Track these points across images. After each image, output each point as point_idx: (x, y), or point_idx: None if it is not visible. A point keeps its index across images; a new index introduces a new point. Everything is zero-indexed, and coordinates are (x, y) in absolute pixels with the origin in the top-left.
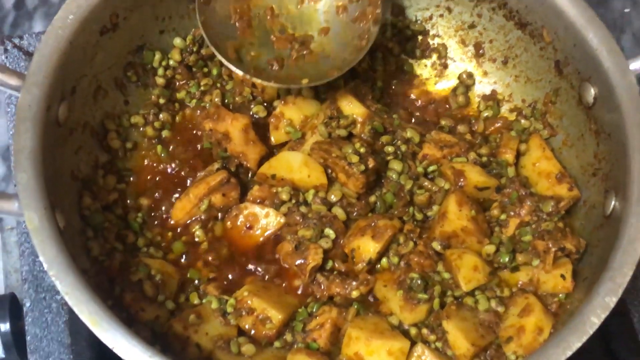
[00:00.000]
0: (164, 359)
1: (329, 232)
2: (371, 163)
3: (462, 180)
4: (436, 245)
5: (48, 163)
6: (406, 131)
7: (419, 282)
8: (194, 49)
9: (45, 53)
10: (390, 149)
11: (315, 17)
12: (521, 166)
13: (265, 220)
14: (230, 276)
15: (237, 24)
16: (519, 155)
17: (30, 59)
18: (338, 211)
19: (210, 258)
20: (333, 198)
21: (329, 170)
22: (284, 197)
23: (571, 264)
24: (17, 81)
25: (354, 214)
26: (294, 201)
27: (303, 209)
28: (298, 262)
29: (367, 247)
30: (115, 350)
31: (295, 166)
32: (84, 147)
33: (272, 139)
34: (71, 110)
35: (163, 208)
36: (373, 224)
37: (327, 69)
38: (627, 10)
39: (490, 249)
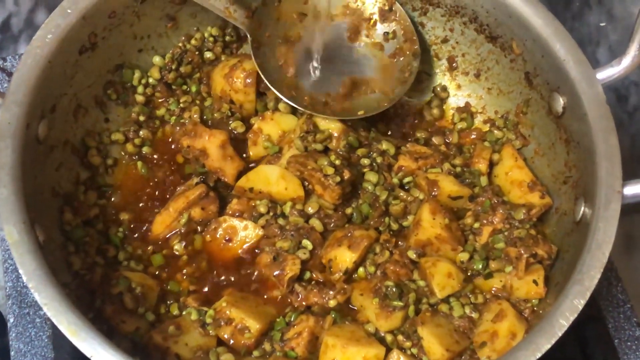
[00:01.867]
0: None
1: (307, 243)
2: (346, 175)
3: (435, 189)
4: (411, 254)
5: (28, 179)
6: (382, 143)
7: (394, 289)
8: (173, 67)
9: (24, 72)
10: (366, 161)
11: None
12: (494, 175)
13: (244, 232)
14: (209, 288)
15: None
16: (492, 164)
17: (8, 87)
18: (315, 223)
19: (189, 270)
20: (310, 210)
21: (306, 183)
22: (262, 209)
23: (543, 270)
24: None
25: (331, 225)
26: (271, 214)
27: (281, 221)
28: (276, 272)
29: (343, 257)
30: (94, 359)
31: (272, 179)
32: (64, 163)
33: (251, 154)
34: (51, 127)
35: (143, 223)
36: (349, 235)
37: (377, 100)
38: (602, 24)
39: (464, 256)
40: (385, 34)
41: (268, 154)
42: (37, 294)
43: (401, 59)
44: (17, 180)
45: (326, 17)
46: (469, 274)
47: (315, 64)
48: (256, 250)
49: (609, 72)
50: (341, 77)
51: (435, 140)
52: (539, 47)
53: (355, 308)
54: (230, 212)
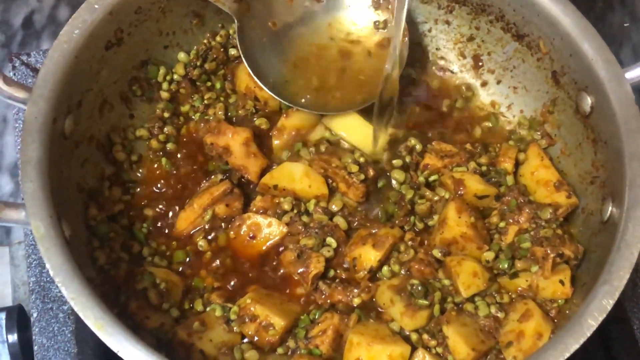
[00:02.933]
0: None
1: (331, 241)
2: (371, 172)
3: (462, 189)
4: (436, 253)
5: (54, 175)
6: (410, 140)
7: (420, 288)
8: (198, 64)
9: (51, 67)
10: (396, 162)
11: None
12: (520, 175)
13: (268, 229)
14: (233, 284)
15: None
16: (517, 164)
17: (37, 76)
18: (339, 220)
19: (214, 267)
20: (334, 208)
21: (330, 181)
22: (286, 207)
23: (570, 270)
24: (24, 94)
25: (355, 224)
26: (295, 211)
27: (305, 218)
28: (300, 270)
29: (368, 255)
30: (120, 354)
31: (296, 177)
32: (90, 159)
33: (274, 151)
34: (77, 123)
35: (168, 218)
36: (374, 233)
37: (369, 91)
38: (626, 24)
39: (489, 255)
40: (376, 22)
41: (292, 151)
42: (64, 289)
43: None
44: (44, 175)
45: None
46: (494, 273)
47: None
48: (280, 248)
49: (638, 72)
50: (331, 68)
51: (460, 138)
52: (567, 45)
53: (379, 306)
54: (254, 209)
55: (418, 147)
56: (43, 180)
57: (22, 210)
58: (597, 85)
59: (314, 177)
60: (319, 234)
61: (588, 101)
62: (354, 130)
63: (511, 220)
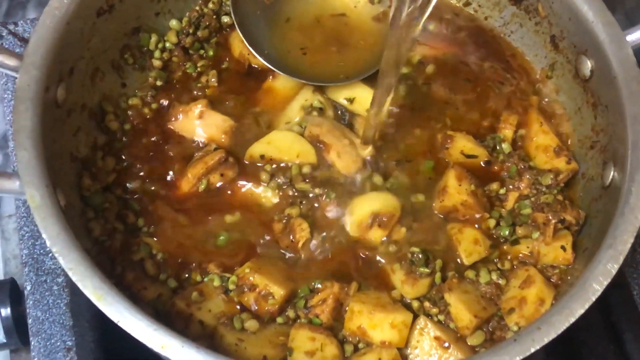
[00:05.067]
0: (168, 332)
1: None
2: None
3: (449, 142)
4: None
5: (47, 144)
6: None
7: (420, 256)
8: (190, 31)
9: (42, 34)
10: None
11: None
12: (519, 141)
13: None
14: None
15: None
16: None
17: (25, 45)
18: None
19: None
20: (322, 176)
21: (321, 147)
22: (264, 177)
23: (571, 236)
24: (15, 62)
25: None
26: (279, 180)
27: (292, 187)
28: (292, 239)
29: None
30: (120, 324)
31: (284, 146)
32: (82, 128)
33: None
34: (69, 91)
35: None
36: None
37: (368, 62)
38: None
39: (490, 222)
40: None
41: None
42: (61, 259)
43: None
44: (37, 143)
45: None
46: (495, 240)
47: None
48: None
49: (639, 34)
50: (326, 39)
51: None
52: (566, 8)
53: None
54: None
55: None
56: (37, 149)
57: (16, 180)
58: (597, 48)
59: (303, 145)
60: (305, 204)
61: (588, 65)
62: (359, 100)
63: (511, 187)
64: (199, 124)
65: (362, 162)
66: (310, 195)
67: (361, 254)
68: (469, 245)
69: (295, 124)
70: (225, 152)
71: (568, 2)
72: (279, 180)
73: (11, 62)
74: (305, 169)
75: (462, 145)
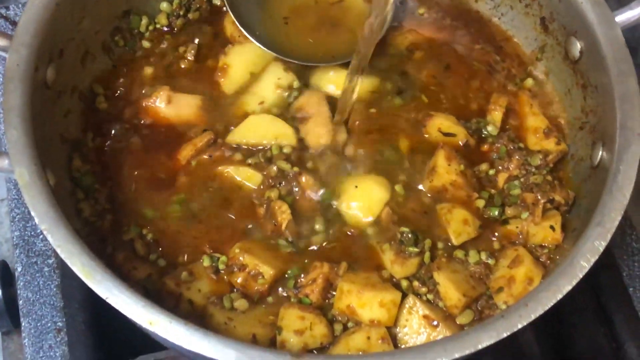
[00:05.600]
0: (156, 308)
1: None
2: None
3: (427, 119)
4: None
5: (37, 124)
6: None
7: (410, 236)
8: (181, 13)
9: (32, 14)
10: None
11: None
12: (509, 122)
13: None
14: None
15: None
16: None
17: (16, 29)
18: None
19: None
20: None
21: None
22: (237, 157)
23: (560, 216)
24: (4, 42)
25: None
26: (258, 160)
27: (272, 169)
28: (274, 223)
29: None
30: (109, 301)
31: (262, 130)
32: (73, 110)
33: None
34: (59, 73)
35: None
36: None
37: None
38: None
39: (479, 202)
40: None
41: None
42: (50, 236)
43: None
44: (27, 123)
45: None
46: (485, 218)
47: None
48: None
49: (628, 15)
50: (318, 20)
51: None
52: None
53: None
54: None
55: None
56: (26, 128)
57: (5, 158)
58: (587, 29)
59: (280, 129)
60: (285, 185)
61: (577, 46)
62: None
63: (501, 168)
64: (170, 107)
65: (338, 139)
66: (290, 175)
67: (349, 233)
68: (458, 225)
69: (272, 104)
70: (214, 134)
71: None
72: (259, 161)
73: (1, 42)
74: (286, 150)
75: (440, 123)
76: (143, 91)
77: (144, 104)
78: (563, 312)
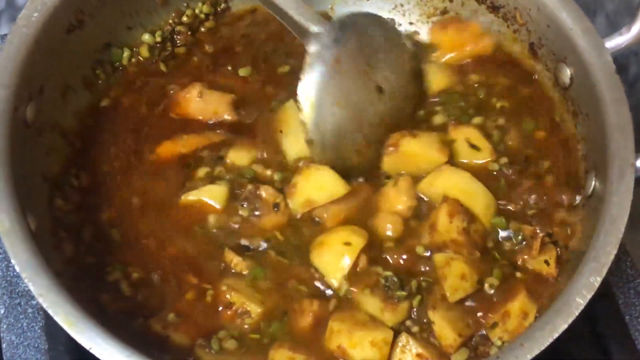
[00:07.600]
0: (142, 358)
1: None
2: None
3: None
4: (420, 251)
5: (17, 166)
6: None
7: (395, 279)
8: (167, 46)
9: (10, 53)
10: None
11: None
12: None
13: None
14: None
15: None
16: None
17: None
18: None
19: None
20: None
21: None
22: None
23: (555, 250)
24: None
25: None
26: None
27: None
28: None
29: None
30: (92, 351)
31: None
32: (54, 147)
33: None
34: (40, 110)
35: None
36: None
37: None
38: None
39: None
40: None
41: None
42: (31, 285)
43: None
44: (6, 166)
45: None
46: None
47: None
48: None
49: (618, 41)
50: None
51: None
52: (544, 16)
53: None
54: None
55: None
56: (5, 172)
57: None
58: (577, 55)
59: None
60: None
61: (567, 72)
62: None
63: None
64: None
65: None
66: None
67: None
68: (455, 280)
69: None
70: None
71: (546, 9)
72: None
73: None
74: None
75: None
76: None
77: None
78: (558, 341)
